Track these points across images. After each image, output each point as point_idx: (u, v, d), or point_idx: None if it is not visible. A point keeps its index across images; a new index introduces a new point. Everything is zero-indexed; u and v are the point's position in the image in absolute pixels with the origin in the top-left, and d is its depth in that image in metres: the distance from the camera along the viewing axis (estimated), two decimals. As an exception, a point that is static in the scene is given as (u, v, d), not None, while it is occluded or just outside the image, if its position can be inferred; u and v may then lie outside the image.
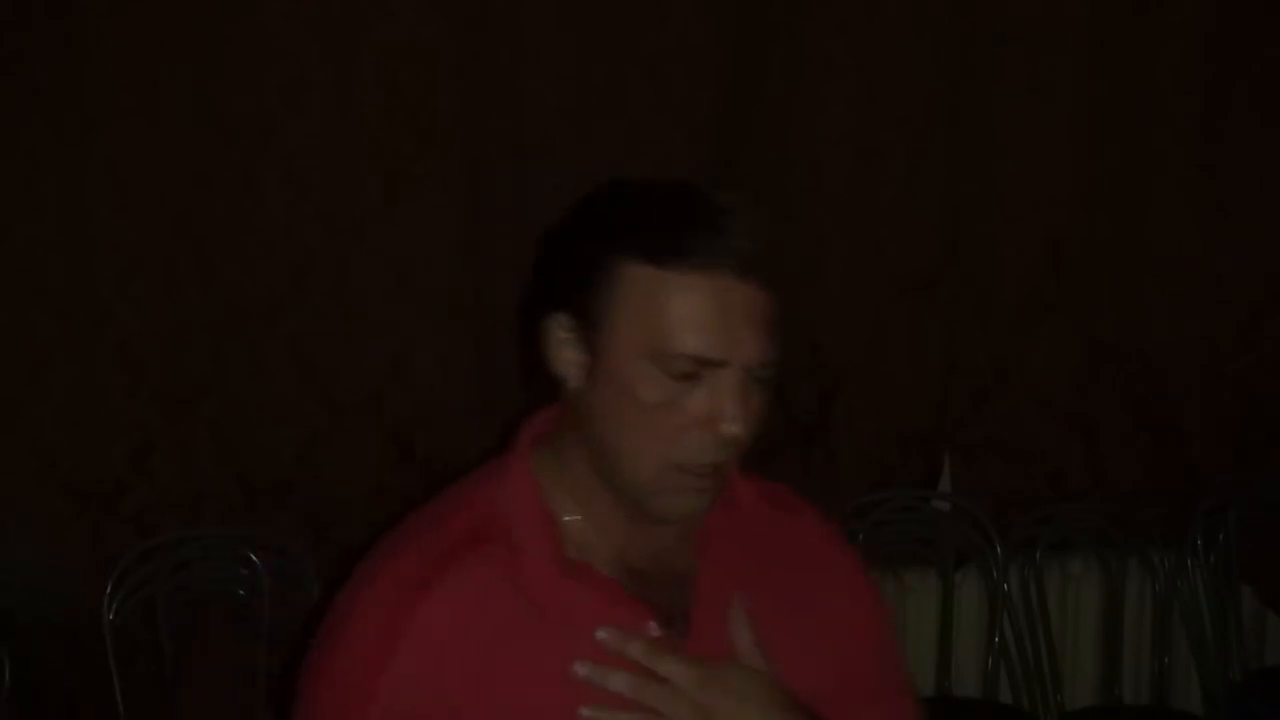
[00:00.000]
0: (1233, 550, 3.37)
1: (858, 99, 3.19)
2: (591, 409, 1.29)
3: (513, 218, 3.05)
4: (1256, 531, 3.40)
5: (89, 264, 2.91)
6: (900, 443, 3.35)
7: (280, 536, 3.00)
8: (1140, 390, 3.44)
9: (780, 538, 1.42)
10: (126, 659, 2.90)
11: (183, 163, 2.91)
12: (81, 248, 2.91)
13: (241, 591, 2.99)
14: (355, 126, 2.97)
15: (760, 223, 1.27)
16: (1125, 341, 3.42)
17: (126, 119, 2.87)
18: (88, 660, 2.89)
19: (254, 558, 2.95)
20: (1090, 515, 3.40)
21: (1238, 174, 3.38)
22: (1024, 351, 3.37)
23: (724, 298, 1.24)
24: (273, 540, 2.98)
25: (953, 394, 3.38)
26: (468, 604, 1.28)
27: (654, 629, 1.30)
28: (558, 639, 1.28)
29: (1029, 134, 3.29)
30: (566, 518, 1.33)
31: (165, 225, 2.93)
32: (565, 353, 1.30)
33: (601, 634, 1.28)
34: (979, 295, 3.35)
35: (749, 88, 3.15)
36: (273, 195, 2.96)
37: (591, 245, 1.28)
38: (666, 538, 1.35)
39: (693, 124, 3.11)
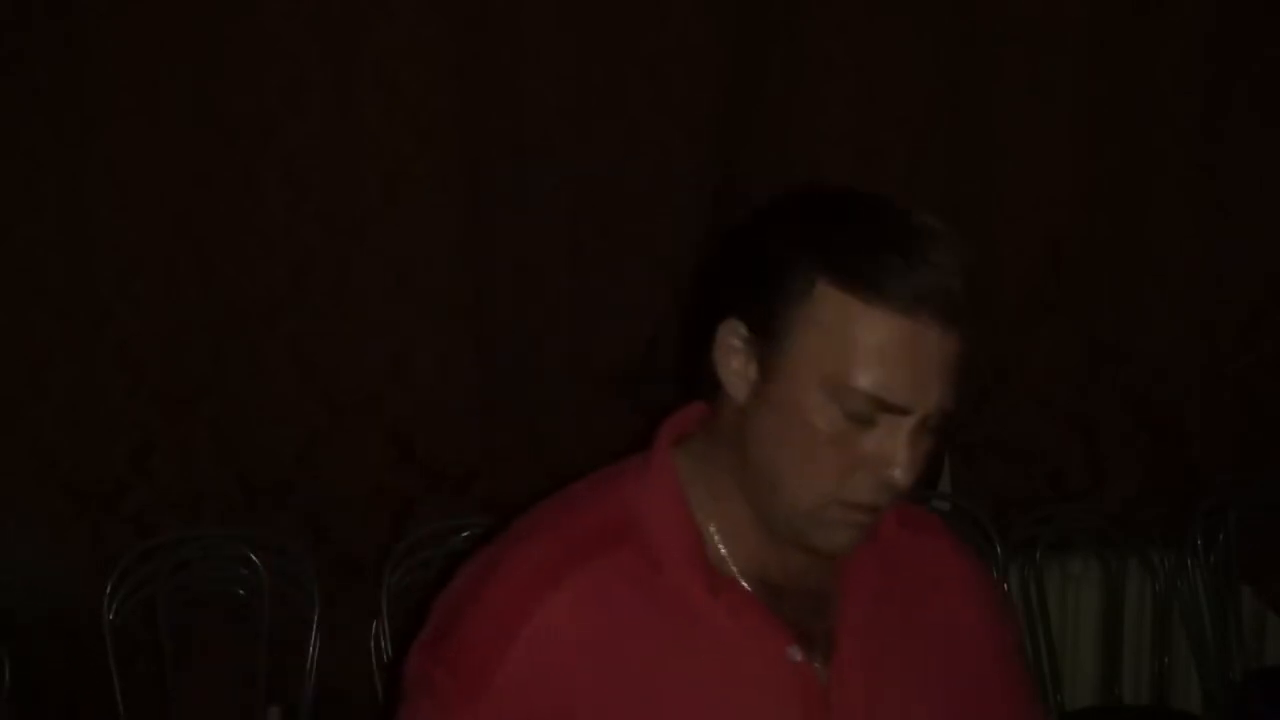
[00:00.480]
0: (1233, 550, 3.37)
1: (858, 99, 3.19)
2: (756, 429, 1.21)
3: (513, 218, 3.05)
4: (1256, 531, 3.40)
5: (89, 264, 2.91)
6: (900, 442, 3.34)
7: (280, 536, 3.00)
8: (1140, 390, 3.44)
9: (913, 560, 1.35)
10: (126, 659, 2.90)
11: (183, 163, 2.91)
12: (81, 248, 2.91)
13: (241, 591, 2.99)
14: (355, 126, 2.96)
15: (967, 259, 1.20)
16: (1125, 341, 3.41)
17: (126, 119, 2.87)
18: (88, 660, 2.89)
19: (254, 558, 2.95)
20: (1090, 515, 3.40)
21: (1238, 174, 3.37)
22: (1024, 351, 3.37)
23: (920, 343, 1.16)
24: (273, 540, 2.98)
25: (952, 394, 3.37)
26: (594, 607, 1.22)
27: (795, 653, 1.25)
28: (692, 655, 1.23)
29: (1029, 134, 3.28)
30: (710, 527, 1.27)
31: (165, 225, 2.93)
32: (734, 362, 1.22)
33: None
34: (979, 295, 3.34)
35: (749, 88, 3.15)
36: (273, 195, 2.95)
37: (787, 256, 1.18)
38: (801, 554, 1.27)
39: (693, 124, 3.11)
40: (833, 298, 1.16)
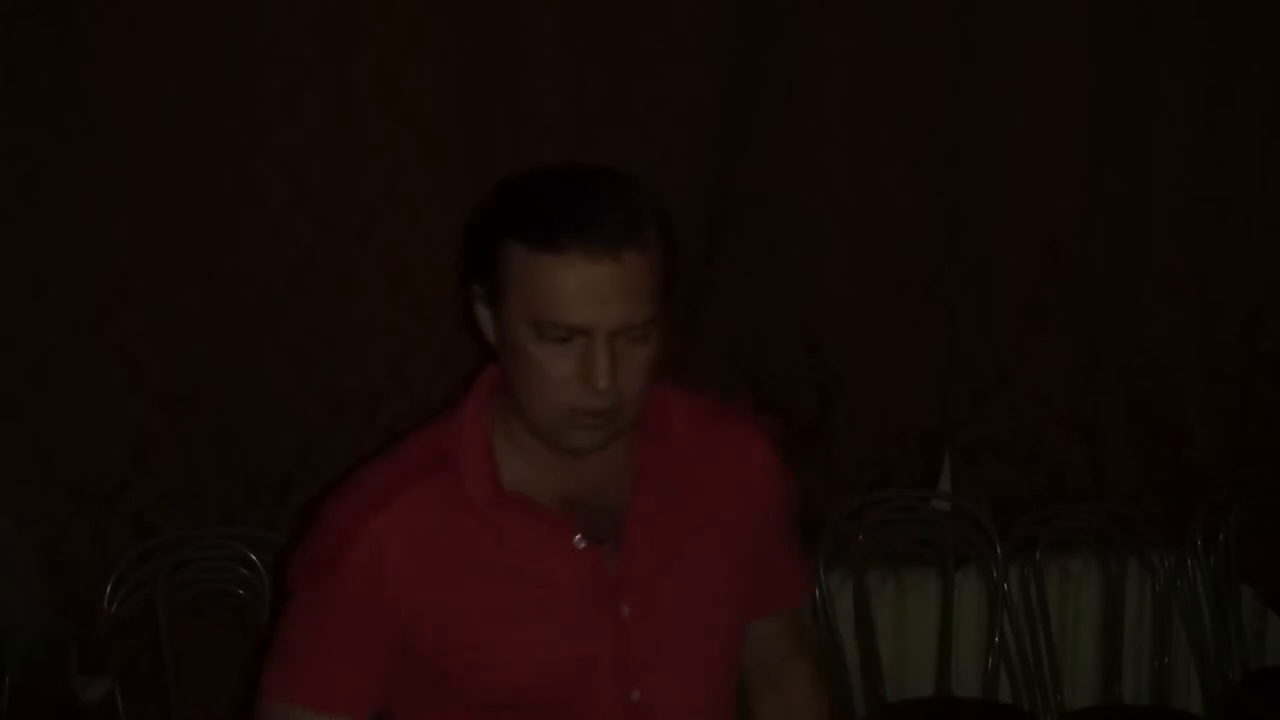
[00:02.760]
0: (1233, 550, 3.37)
1: (858, 99, 3.19)
2: (505, 364, 1.54)
3: (513, 218, 3.05)
4: (1256, 531, 3.40)
5: (89, 264, 2.91)
6: (900, 443, 3.35)
7: (280, 536, 3.00)
8: (1140, 390, 3.44)
9: (706, 450, 1.63)
10: (126, 659, 2.90)
11: (182, 163, 2.91)
12: (81, 248, 2.91)
13: (241, 591, 2.99)
14: (355, 126, 2.96)
15: (622, 205, 1.48)
16: (1125, 341, 3.41)
17: (126, 119, 2.87)
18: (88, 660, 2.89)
19: (254, 558, 2.95)
20: (1090, 515, 3.40)
21: (1238, 174, 3.37)
22: (1024, 351, 3.37)
23: (583, 276, 1.43)
24: (273, 540, 2.98)
25: (953, 394, 3.38)
26: (417, 522, 1.52)
27: (581, 542, 1.53)
28: (496, 560, 1.52)
29: (1029, 134, 3.28)
30: (513, 458, 1.56)
31: (165, 225, 2.93)
32: (482, 314, 1.54)
33: None
34: (979, 295, 3.35)
35: (749, 88, 3.15)
36: (272, 196, 2.95)
37: (490, 229, 1.51)
38: (598, 472, 1.56)
39: (693, 124, 3.11)
40: (517, 254, 1.46)
